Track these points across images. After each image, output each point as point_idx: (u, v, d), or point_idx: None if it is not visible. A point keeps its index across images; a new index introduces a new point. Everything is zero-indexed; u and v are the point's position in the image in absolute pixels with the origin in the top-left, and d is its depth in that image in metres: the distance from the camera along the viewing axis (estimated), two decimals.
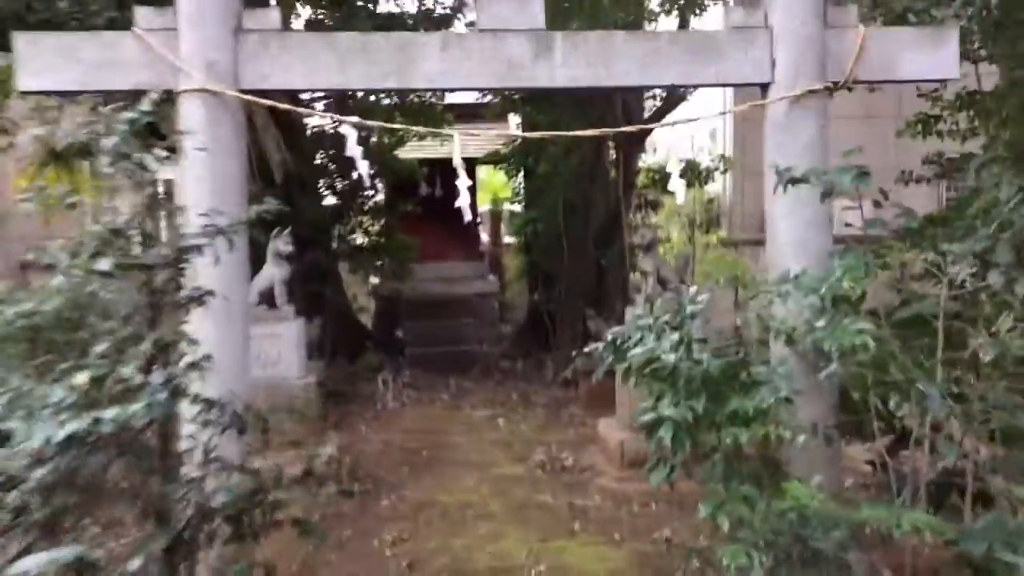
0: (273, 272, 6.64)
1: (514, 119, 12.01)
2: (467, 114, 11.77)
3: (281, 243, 6.67)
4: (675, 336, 3.73)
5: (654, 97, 10.22)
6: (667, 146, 12.99)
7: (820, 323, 3.59)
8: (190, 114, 4.07)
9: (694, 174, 9.99)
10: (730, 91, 15.29)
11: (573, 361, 9.81)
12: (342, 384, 10.13)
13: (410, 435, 8.24)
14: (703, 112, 13.45)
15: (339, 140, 9.93)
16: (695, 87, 4.35)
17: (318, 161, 9.95)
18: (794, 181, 4.08)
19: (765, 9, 4.46)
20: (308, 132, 9.83)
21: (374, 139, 10.20)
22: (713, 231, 13.17)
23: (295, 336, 6.55)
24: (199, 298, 3.01)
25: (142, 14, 4.29)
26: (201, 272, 3.21)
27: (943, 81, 4.88)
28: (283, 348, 6.48)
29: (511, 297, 13.48)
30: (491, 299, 12.25)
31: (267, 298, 6.60)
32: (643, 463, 6.86)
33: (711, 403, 3.57)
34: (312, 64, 4.23)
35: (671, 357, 3.62)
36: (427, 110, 10.23)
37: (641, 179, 10.31)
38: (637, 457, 6.60)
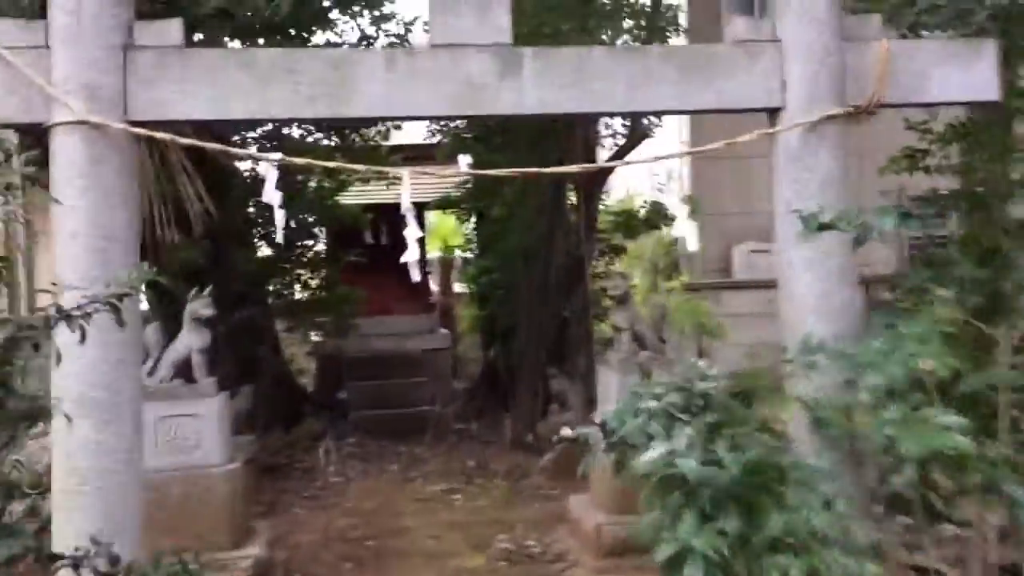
0: (190, 340, 5.66)
1: (465, 160, 11.21)
2: (416, 156, 10.93)
3: (200, 305, 5.71)
4: (689, 429, 2.88)
5: (615, 135, 9.52)
6: (626, 187, 12.31)
7: (889, 414, 2.77)
8: (65, 152, 3.17)
9: (659, 216, 9.26)
10: (686, 126, 14.86)
11: (534, 426, 8.97)
12: (278, 457, 9.10)
13: (354, 518, 7.25)
14: (660, 150, 12.89)
15: (283, 186, 9.03)
16: (690, 113, 3.59)
17: (251, 208, 9.00)
18: (824, 227, 3.30)
19: (774, 20, 3.72)
20: (240, 175, 8.89)
21: (312, 183, 9.29)
22: (675, 276, 12.49)
23: (217, 415, 5.56)
24: (34, 413, 2.09)
25: (3, 28, 3.39)
26: (69, 361, 2.31)
27: (979, 103, 4.18)
28: (203, 429, 5.49)
29: (464, 351, 12.58)
30: (443, 354, 11.32)
31: (184, 370, 5.62)
32: (625, 551, 6.04)
33: (744, 521, 2.73)
34: (223, 88, 3.36)
35: (690, 462, 2.77)
36: (371, 151, 9.39)
37: (603, 222, 9.55)
38: (617, 544, 5.73)
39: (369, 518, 7.23)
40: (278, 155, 3.94)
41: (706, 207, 12.66)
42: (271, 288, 9.35)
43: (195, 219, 6.79)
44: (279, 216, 3.46)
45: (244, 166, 9.05)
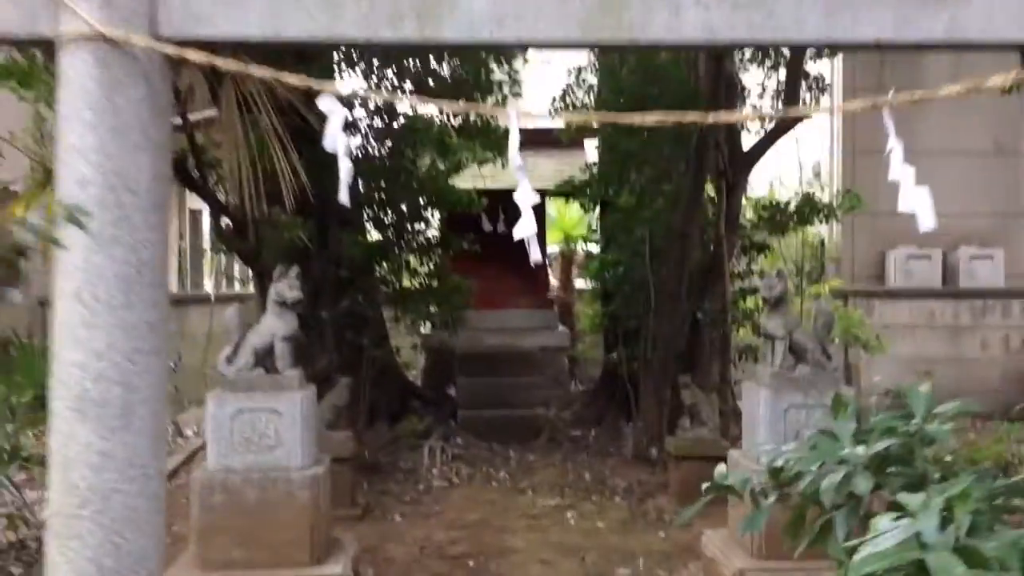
0: (273, 326, 4.99)
1: (591, 145, 10.34)
2: (534, 140, 10.14)
3: (285, 287, 5.02)
4: (938, 500, 1.92)
5: (762, 122, 8.43)
6: (769, 180, 11.14)
7: None
8: (75, 75, 2.46)
9: (813, 211, 8.13)
10: (838, 115, 13.51)
11: (659, 439, 8.01)
12: (380, 454, 8.46)
13: (456, 531, 6.49)
14: (795, 142, 11.61)
15: (393, 166, 8.36)
16: (907, 47, 2.60)
17: (360, 188, 8.38)
18: None
19: None
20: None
21: (424, 161, 8.59)
22: (822, 280, 11.23)
23: (300, 411, 4.88)
24: None
25: None
26: (70, 347, 1.58)
27: None
28: (283, 427, 4.81)
29: (583, 351, 11.70)
30: (560, 354, 10.48)
31: (266, 359, 4.97)
32: None
33: None
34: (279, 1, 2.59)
35: (933, 557, 1.81)
36: (487, 131, 8.62)
37: (749, 215, 8.49)
38: None
39: (472, 532, 6.46)
40: (349, 85, 3.14)
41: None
42: (378, 275, 8.69)
43: (290, 193, 6.12)
44: (344, 169, 2.65)
45: (354, 143, 8.42)
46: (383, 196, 8.58)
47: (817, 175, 13.83)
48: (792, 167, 12.28)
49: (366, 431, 8.71)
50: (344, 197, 2.66)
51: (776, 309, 5.18)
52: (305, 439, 4.90)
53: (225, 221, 7.48)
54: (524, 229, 2.97)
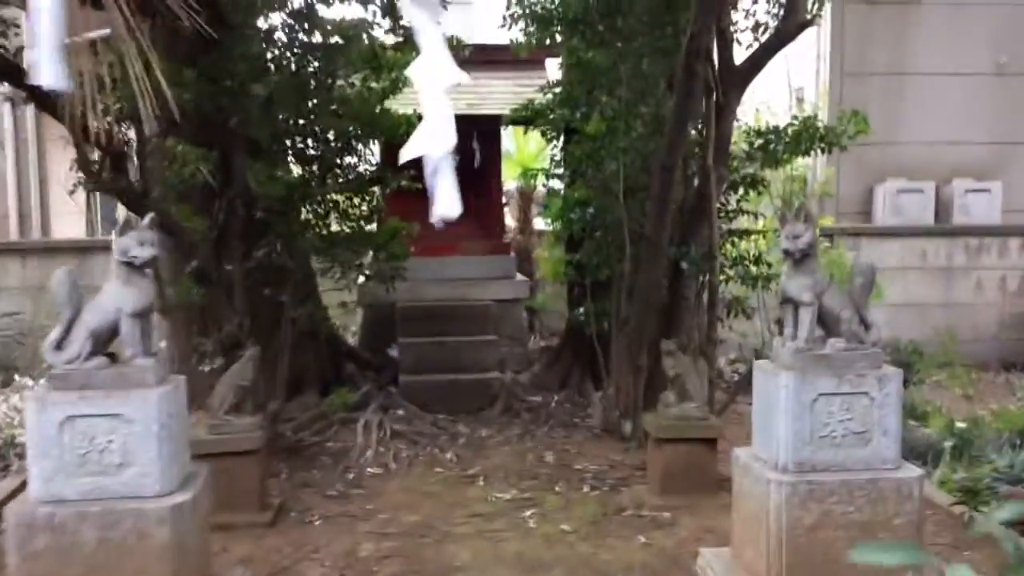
0: (118, 297, 3.59)
1: (554, 62, 8.86)
2: (485, 57, 8.68)
3: (134, 242, 3.60)
4: None
5: (758, 28, 7.07)
6: (755, 105, 9.79)
7: None
8: None
9: (815, 138, 6.82)
10: (825, 35, 12.14)
11: (633, 412, 6.79)
12: (305, 433, 7.15)
13: (388, 540, 5.22)
14: (786, 62, 10.24)
15: (317, 86, 6.87)
16: None
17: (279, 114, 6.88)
18: None
19: None
20: (263, 60, 6.76)
21: (354, 81, 7.10)
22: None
23: (157, 416, 3.51)
24: None
25: None
26: None
27: None
28: (133, 439, 3.46)
29: (544, 302, 10.37)
30: (517, 307, 9.17)
31: (108, 343, 3.59)
32: None
33: None
34: None
35: None
36: None
37: (739, 144, 7.15)
38: None
39: (408, 541, 5.20)
40: None
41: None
42: (302, 218, 7.24)
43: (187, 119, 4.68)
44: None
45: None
46: (305, 122, 7.10)
47: (800, 100, 12.55)
48: (780, 90, 10.96)
49: (290, 405, 7.40)
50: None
51: (801, 266, 3.88)
52: (165, 454, 3.55)
53: (97, 153, 6.01)
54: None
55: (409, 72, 2.72)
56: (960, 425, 6.89)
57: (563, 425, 7.56)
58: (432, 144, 2.77)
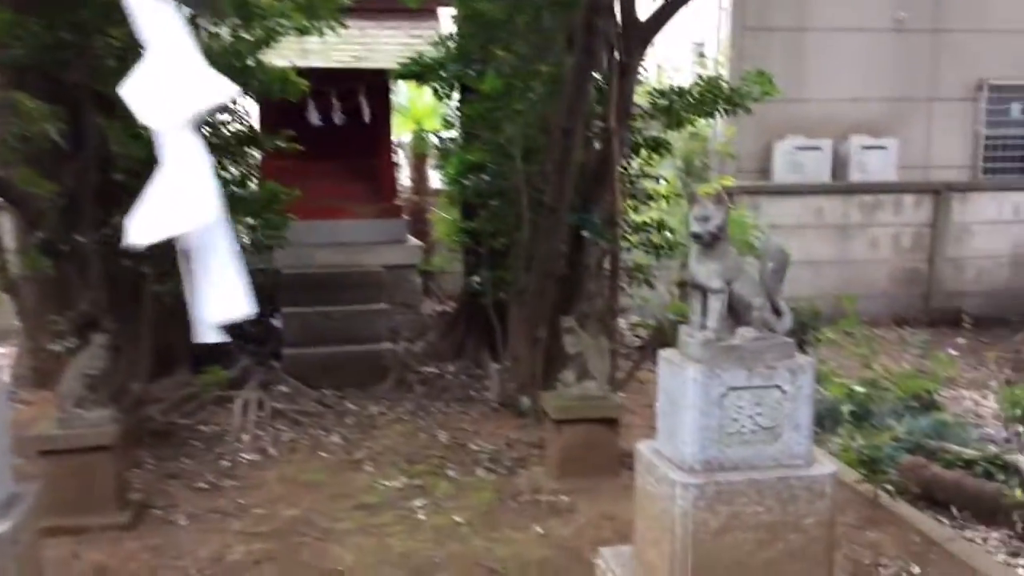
0: None
1: (446, 13, 8.29)
2: (373, 6, 8.08)
3: None
4: None
5: None
6: (657, 63, 9.45)
7: None
8: None
9: (719, 99, 6.52)
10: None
11: (532, 388, 6.45)
12: (175, 414, 6.57)
13: (261, 540, 4.76)
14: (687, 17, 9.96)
15: None
16: None
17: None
18: None
19: None
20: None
21: (223, 33, 6.41)
22: (707, 178, 9.76)
23: None
24: None
25: None
26: None
27: None
28: None
29: (440, 265, 9.89)
30: (410, 272, 8.68)
31: None
32: None
33: None
34: None
35: None
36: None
37: (646, 103, 6.77)
38: None
39: (285, 542, 4.75)
40: None
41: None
42: None
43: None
44: None
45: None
46: None
47: (702, 56, 12.27)
48: (681, 46, 10.66)
49: (158, 385, 6.80)
50: None
51: (711, 250, 3.53)
52: None
53: None
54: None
55: (129, 96, 1.79)
56: (858, 389, 6.81)
57: (458, 399, 7.17)
58: (185, 215, 1.85)
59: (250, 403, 6.76)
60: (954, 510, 5.28)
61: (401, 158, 10.91)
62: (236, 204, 6.61)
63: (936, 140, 11.96)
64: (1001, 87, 11.69)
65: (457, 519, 4.98)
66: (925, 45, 11.53)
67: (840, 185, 11.39)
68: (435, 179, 10.72)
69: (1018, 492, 5.08)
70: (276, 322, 8.01)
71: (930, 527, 4.74)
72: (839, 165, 11.81)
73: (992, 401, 7.66)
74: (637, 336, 8.91)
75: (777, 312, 3.61)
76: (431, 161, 10.85)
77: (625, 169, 6.75)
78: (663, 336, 7.64)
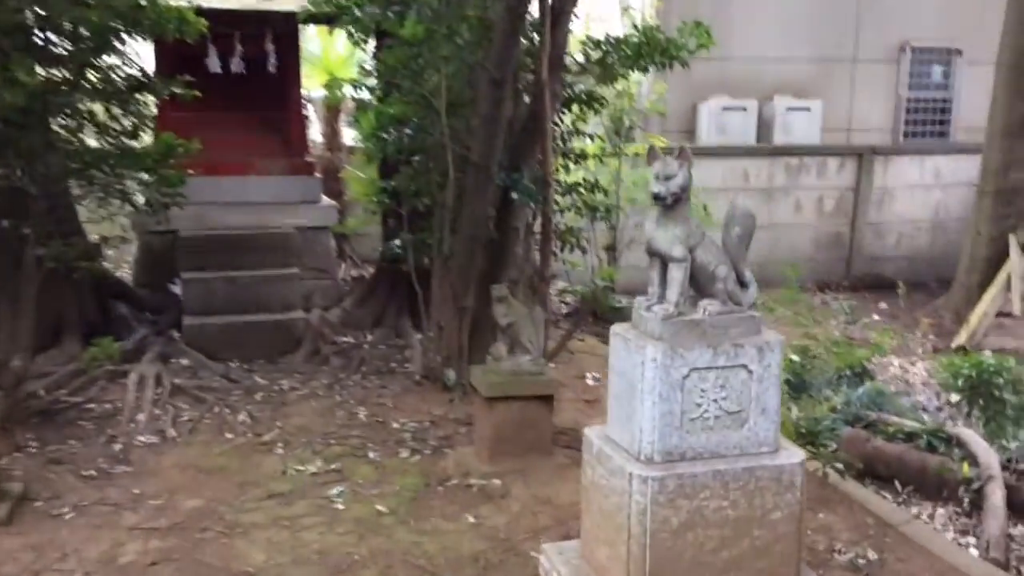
0: None
1: None
2: None
3: None
4: None
5: None
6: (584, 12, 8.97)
7: None
8: None
9: (656, 51, 6.12)
10: None
11: (458, 360, 6.02)
12: (60, 391, 5.92)
13: (158, 538, 4.23)
14: None
15: None
16: None
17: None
18: None
19: None
20: None
21: None
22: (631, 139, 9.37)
23: None
24: None
25: None
26: None
27: None
28: None
29: (356, 226, 9.27)
30: (323, 236, 8.08)
31: None
32: None
33: None
34: None
35: None
36: None
37: (578, 56, 6.31)
38: None
39: (183, 538, 4.23)
40: None
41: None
42: (50, 133, 5.82)
43: None
44: None
45: None
46: (48, 13, 5.62)
47: (627, 9, 11.85)
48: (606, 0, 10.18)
49: (43, 358, 6.13)
50: None
51: (672, 213, 3.14)
52: None
53: None
54: None
55: None
56: (794, 358, 6.59)
57: (378, 372, 6.69)
58: None
59: (147, 378, 6.14)
60: (898, 485, 5.10)
61: (312, 112, 10.21)
62: (127, 158, 5.97)
63: (859, 102, 11.87)
64: (923, 49, 11.63)
65: (380, 508, 4.53)
66: (850, 4, 11.36)
67: (766, 147, 11.20)
68: (350, 135, 10.07)
69: (965, 467, 4.91)
70: (176, 289, 7.34)
71: (882, 508, 4.52)
72: (764, 127, 11.63)
73: (920, 368, 7.58)
74: (564, 303, 8.54)
75: (742, 283, 3.25)
76: (345, 115, 10.18)
77: (557, 125, 6.30)
78: (593, 303, 7.30)
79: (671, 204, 3.10)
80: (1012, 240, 8.86)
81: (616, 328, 3.32)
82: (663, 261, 3.18)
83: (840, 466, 4.66)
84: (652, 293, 3.24)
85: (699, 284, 3.20)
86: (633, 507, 3.05)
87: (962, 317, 9.11)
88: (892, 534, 4.24)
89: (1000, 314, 8.52)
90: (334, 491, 4.72)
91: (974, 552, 4.29)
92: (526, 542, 4.17)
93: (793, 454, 3.23)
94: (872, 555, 4.04)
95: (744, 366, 3.12)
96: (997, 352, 8.12)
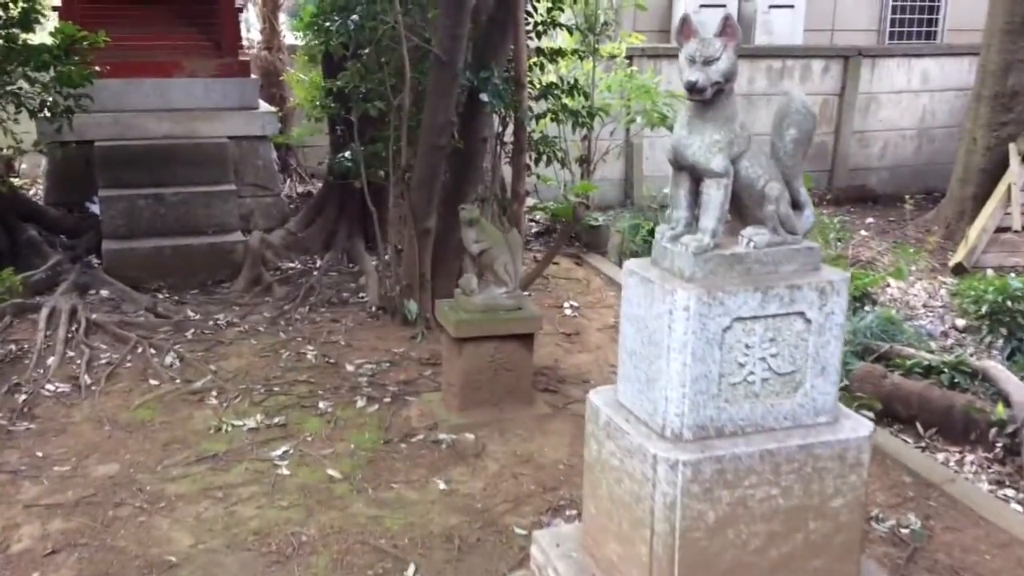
0: None
1: None
2: None
3: None
4: None
5: None
6: None
7: None
8: None
9: None
10: None
11: (420, 291, 5.25)
12: None
13: (60, 519, 3.47)
14: None
15: None
16: None
17: None
18: None
19: None
20: None
21: None
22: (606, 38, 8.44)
23: None
24: None
25: None
26: None
27: None
28: None
29: (301, 136, 8.28)
30: (264, 145, 7.13)
31: None
32: None
33: None
34: None
35: None
36: None
37: None
38: None
39: (92, 517, 3.48)
40: None
41: None
42: None
43: None
44: None
45: None
46: None
47: None
48: None
49: None
50: None
51: (711, 110, 2.36)
52: None
53: None
54: None
55: None
56: None
57: (329, 303, 5.89)
58: None
59: (59, 314, 5.28)
60: (919, 427, 4.51)
61: (247, 4, 9.08)
62: (17, 53, 4.98)
63: (843, 0, 11.06)
64: None
65: (332, 473, 3.81)
66: None
67: (747, 48, 10.33)
68: (290, 32, 9.00)
69: (999, 408, 4.32)
70: (94, 208, 6.42)
71: (920, 463, 3.91)
72: (744, 26, 10.77)
73: (919, 289, 6.98)
74: (534, 220, 7.75)
75: (795, 204, 2.51)
76: (286, 11, 9.09)
77: (529, 15, 5.41)
78: (571, 223, 6.55)
79: (710, 99, 2.32)
80: (1012, 149, 8.22)
81: (632, 265, 2.56)
82: (694, 176, 2.42)
83: (869, 414, 4.02)
84: (677, 219, 2.49)
85: (742, 206, 2.46)
86: (658, 499, 2.35)
87: (954, 232, 8.54)
88: (935, 496, 3.63)
89: (999, 229, 7.94)
90: (277, 452, 3.97)
91: (1017, 508, 3.73)
92: (507, 515, 3.49)
93: (858, 424, 2.54)
94: (915, 522, 3.43)
95: (801, 314, 2.40)
96: (997, 270, 7.61)
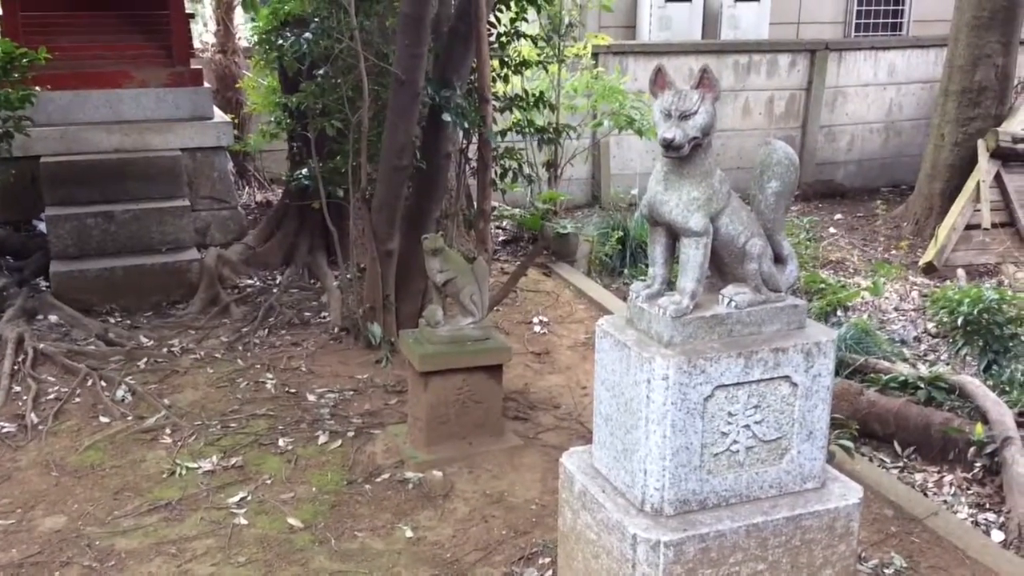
0: None
1: None
2: None
3: None
4: None
5: None
6: None
7: None
8: None
9: None
10: None
11: (383, 314, 5.06)
12: None
13: None
14: None
15: None
16: None
17: None
18: None
19: None
20: None
21: None
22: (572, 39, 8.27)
23: None
24: None
25: None
26: None
27: None
28: None
29: (258, 143, 8.00)
30: (219, 156, 6.86)
31: None
32: None
33: None
34: None
35: None
36: None
37: None
38: None
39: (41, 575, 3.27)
40: None
41: None
42: None
43: None
44: None
45: None
46: None
47: None
48: None
49: None
50: None
51: (688, 165, 2.20)
52: None
53: None
54: None
55: None
56: None
57: (289, 324, 5.67)
58: None
59: (5, 343, 5.03)
60: (897, 447, 4.43)
61: (199, 7, 8.76)
62: None
63: None
64: None
65: (292, 522, 3.62)
66: None
67: (713, 44, 10.25)
68: (247, 34, 8.70)
69: (978, 428, 4.23)
70: (41, 227, 6.14)
71: (901, 494, 3.79)
72: (709, 21, 10.69)
73: (890, 290, 6.91)
74: (500, 228, 7.57)
75: (779, 259, 2.36)
76: (242, 12, 8.79)
77: (493, 26, 5.21)
78: (539, 235, 6.38)
79: (687, 155, 2.16)
80: (981, 145, 8.17)
81: (605, 324, 2.40)
82: (671, 233, 2.26)
83: (848, 444, 3.90)
84: (654, 276, 2.33)
85: (722, 264, 2.31)
86: None
87: (923, 228, 8.50)
88: (918, 532, 3.53)
89: (969, 227, 7.89)
90: (234, 499, 3.78)
91: (1000, 535, 3.65)
92: (478, 565, 3.33)
93: (847, 489, 2.41)
94: (899, 562, 3.32)
95: (787, 378, 2.26)
96: (967, 268, 7.57)
